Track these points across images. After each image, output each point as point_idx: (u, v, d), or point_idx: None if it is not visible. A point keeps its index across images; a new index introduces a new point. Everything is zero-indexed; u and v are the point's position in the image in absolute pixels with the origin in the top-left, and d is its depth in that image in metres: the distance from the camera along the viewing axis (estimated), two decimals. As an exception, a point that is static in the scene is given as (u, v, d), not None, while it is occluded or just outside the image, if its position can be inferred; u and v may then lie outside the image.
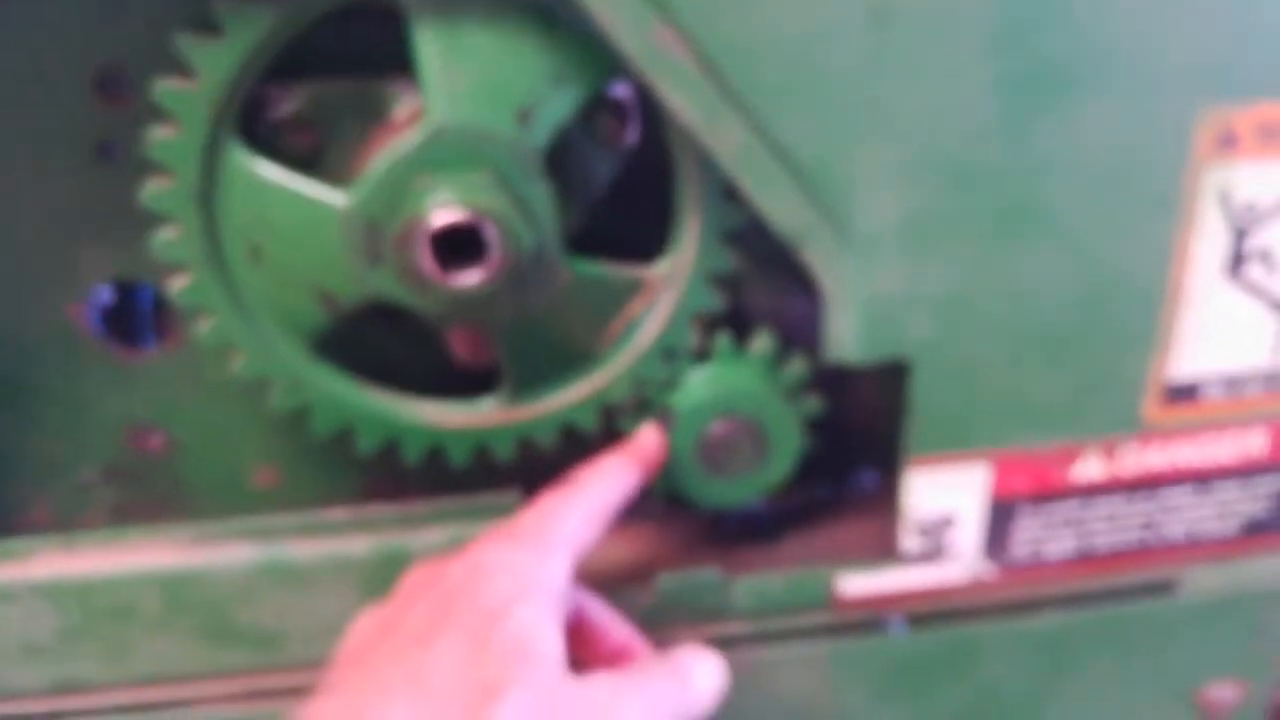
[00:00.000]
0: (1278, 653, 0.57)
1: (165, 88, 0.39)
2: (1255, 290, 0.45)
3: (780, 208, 0.40)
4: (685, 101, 0.38)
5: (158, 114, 0.40)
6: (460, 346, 0.48)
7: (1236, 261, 0.44)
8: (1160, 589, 0.53)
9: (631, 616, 0.45)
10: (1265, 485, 0.50)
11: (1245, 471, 0.49)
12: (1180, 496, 0.49)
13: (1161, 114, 0.40)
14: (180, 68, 0.39)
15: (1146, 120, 0.40)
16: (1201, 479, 0.49)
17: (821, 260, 0.41)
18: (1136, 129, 0.40)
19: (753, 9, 0.36)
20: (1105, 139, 0.40)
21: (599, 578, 0.48)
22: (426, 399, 0.47)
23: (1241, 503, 0.50)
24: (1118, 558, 0.51)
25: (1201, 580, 0.53)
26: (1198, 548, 0.51)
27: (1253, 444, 0.49)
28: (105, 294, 0.47)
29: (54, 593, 0.44)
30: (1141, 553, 0.51)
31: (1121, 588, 0.52)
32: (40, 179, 0.44)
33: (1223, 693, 0.58)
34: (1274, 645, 0.57)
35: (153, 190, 0.41)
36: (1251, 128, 0.41)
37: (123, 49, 0.42)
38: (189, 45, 0.39)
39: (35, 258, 0.46)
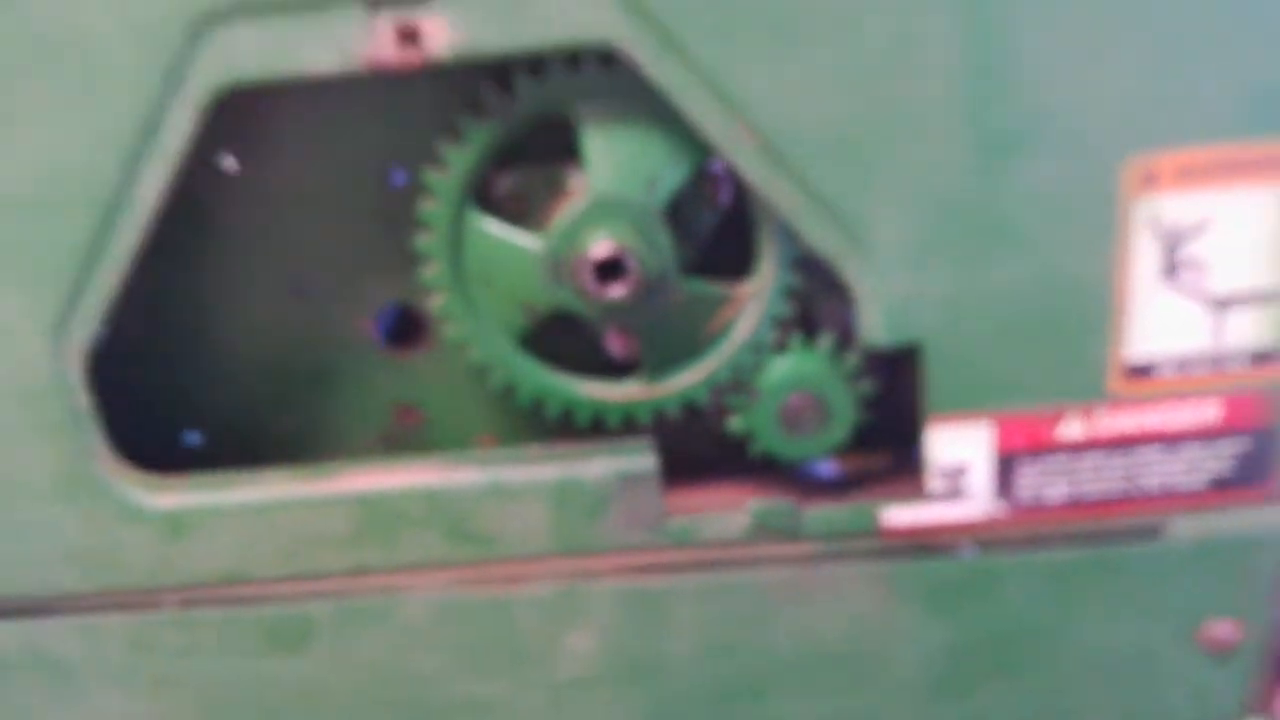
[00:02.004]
0: (1269, 595, 0.70)
1: (430, 175, 0.64)
2: (1189, 291, 0.61)
3: (821, 240, 0.60)
4: (753, 173, 0.59)
5: (426, 192, 0.64)
6: (613, 343, 0.70)
7: (1169, 270, 0.60)
8: (1148, 532, 0.67)
9: (731, 535, 0.65)
10: (1226, 448, 0.65)
11: (1205, 436, 0.64)
12: (1151, 454, 0.65)
13: (1095, 161, 0.58)
14: (439, 163, 0.64)
15: (1084, 166, 0.58)
16: (1168, 441, 0.64)
17: (853, 274, 0.61)
18: (1077, 173, 0.58)
19: (798, 111, 0.57)
20: (1055, 181, 0.58)
21: (708, 508, 0.68)
22: (592, 380, 0.69)
23: (1207, 461, 0.65)
24: (1107, 504, 0.66)
25: (1185, 527, 0.67)
26: (1175, 499, 0.66)
27: (1208, 413, 0.64)
28: (390, 312, 0.72)
29: (352, 500, 0.68)
30: (1126, 501, 0.66)
31: (1114, 529, 0.67)
32: (348, 238, 0.70)
33: (1222, 630, 0.71)
34: (1264, 589, 0.70)
35: (422, 241, 0.65)
36: (1170, 168, 0.58)
37: (409, 153, 0.67)
38: (445, 147, 0.63)
39: (340, 289, 0.71)
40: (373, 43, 0.56)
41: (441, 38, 0.56)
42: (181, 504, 0.68)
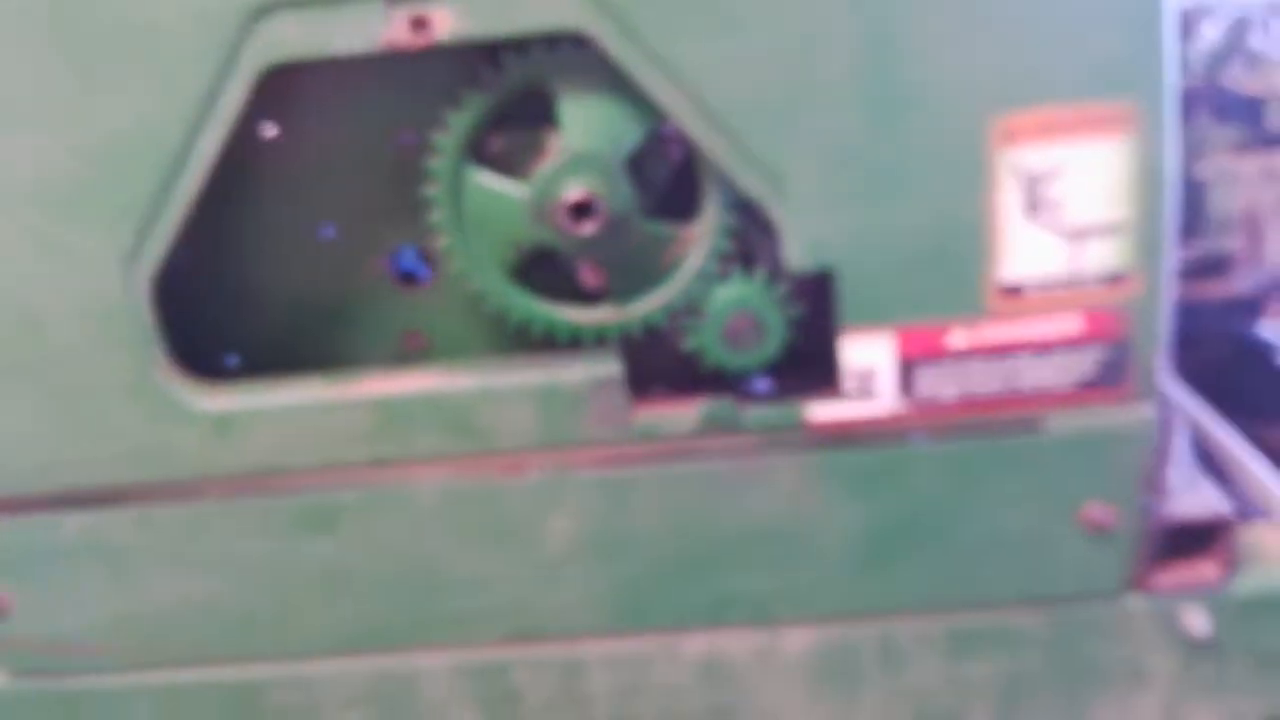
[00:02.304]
0: (1137, 482, 0.84)
1: (437, 137, 0.78)
2: (1048, 225, 0.75)
3: (752, 187, 0.74)
4: (696, 134, 0.73)
5: (432, 151, 0.79)
6: (586, 275, 0.84)
7: (1031, 208, 0.75)
8: (1028, 426, 0.82)
9: (683, 429, 0.79)
10: (1088, 355, 0.80)
11: (1070, 344, 0.79)
12: (1025, 360, 0.79)
13: (966, 120, 0.72)
14: (444, 126, 0.78)
15: (958, 125, 0.72)
16: (1038, 349, 0.79)
17: (778, 214, 0.75)
18: (953, 130, 0.73)
19: (730, 83, 0.71)
20: (935, 136, 0.73)
21: (664, 408, 0.82)
22: (570, 306, 0.83)
23: (1073, 366, 0.80)
24: (991, 402, 0.81)
25: (1059, 423, 0.82)
26: (1048, 398, 0.81)
27: (1070, 326, 0.79)
28: (406, 253, 0.87)
29: (371, 402, 0.82)
30: (1008, 399, 0.81)
31: (999, 424, 0.82)
32: (371, 192, 0.84)
33: (1098, 512, 0.86)
34: (1132, 476, 0.84)
35: (429, 191, 0.80)
36: (1027, 125, 0.73)
37: (418, 119, 0.81)
38: (447, 114, 0.77)
39: (358, 233, 0.86)
40: (390, 29, 0.71)
41: (445, 25, 0.70)
42: (227, 406, 0.83)
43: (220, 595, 0.91)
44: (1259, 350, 1.29)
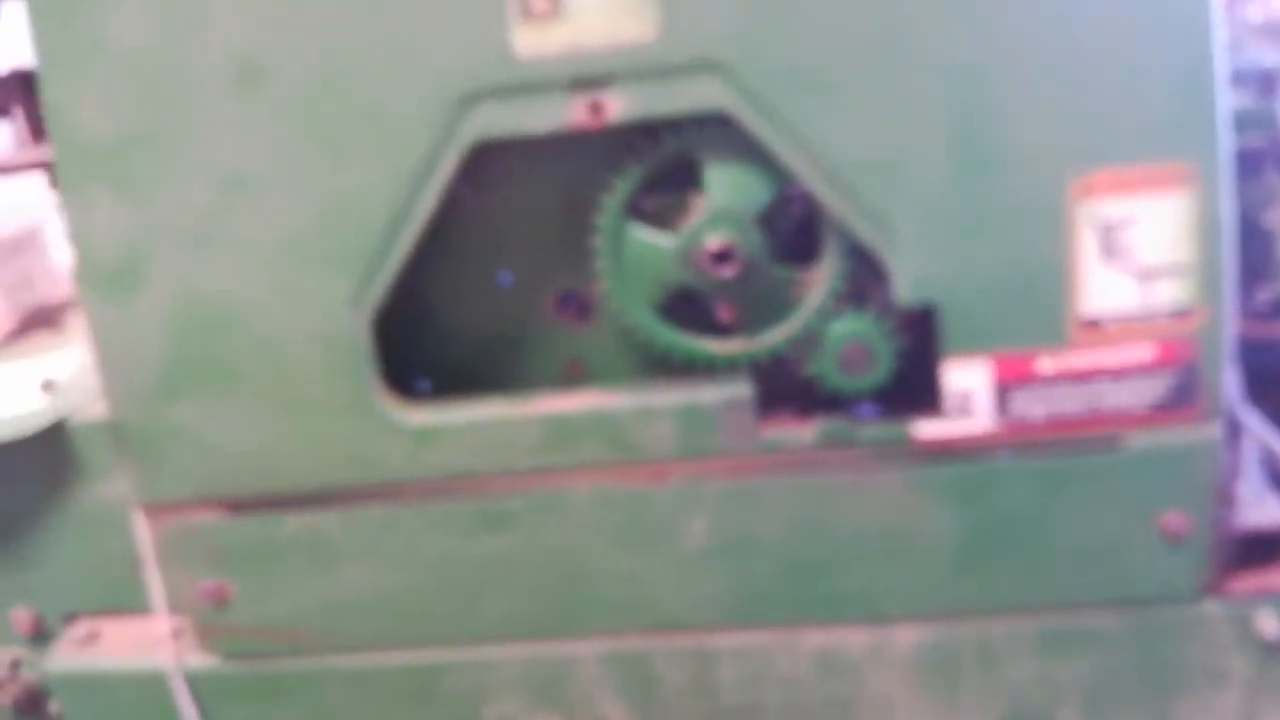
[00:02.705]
0: (1209, 494, 0.95)
1: (601, 197, 0.95)
2: (1121, 268, 0.89)
3: (867, 236, 0.89)
4: (820, 192, 0.89)
5: (598, 208, 0.96)
6: (722, 312, 1.00)
7: (1106, 252, 0.88)
8: (1108, 444, 0.94)
9: (804, 444, 0.93)
10: (1160, 380, 0.92)
11: (1143, 370, 0.91)
12: (1104, 384, 0.92)
13: (1050, 178, 0.86)
14: (609, 189, 0.95)
15: (1044, 180, 0.87)
16: (1115, 375, 0.92)
17: (887, 258, 0.90)
18: (1038, 186, 0.87)
19: (848, 152, 0.87)
20: (1023, 191, 0.87)
21: (788, 425, 0.97)
22: (707, 338, 0.99)
23: (1147, 390, 0.92)
24: (1075, 421, 0.93)
25: (1136, 440, 0.94)
26: (1126, 418, 0.93)
27: (1143, 354, 0.91)
28: (572, 296, 1.04)
29: (542, 418, 0.98)
30: (1090, 419, 0.93)
31: (1083, 441, 0.94)
32: (544, 244, 1.02)
33: (1174, 521, 0.97)
34: (1204, 488, 0.95)
35: (595, 242, 0.97)
36: (1102, 182, 0.87)
37: (587, 184, 0.98)
38: (611, 178, 0.94)
39: (536, 280, 1.03)
40: (572, 113, 0.88)
41: (617, 109, 0.88)
42: (426, 421, 1.00)
43: (408, 586, 1.07)
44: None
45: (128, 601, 1.22)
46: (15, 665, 1.32)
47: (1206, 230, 0.87)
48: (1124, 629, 1.01)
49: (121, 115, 0.94)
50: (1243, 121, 1.14)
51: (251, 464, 1.04)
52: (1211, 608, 0.99)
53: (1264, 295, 1.19)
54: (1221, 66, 0.84)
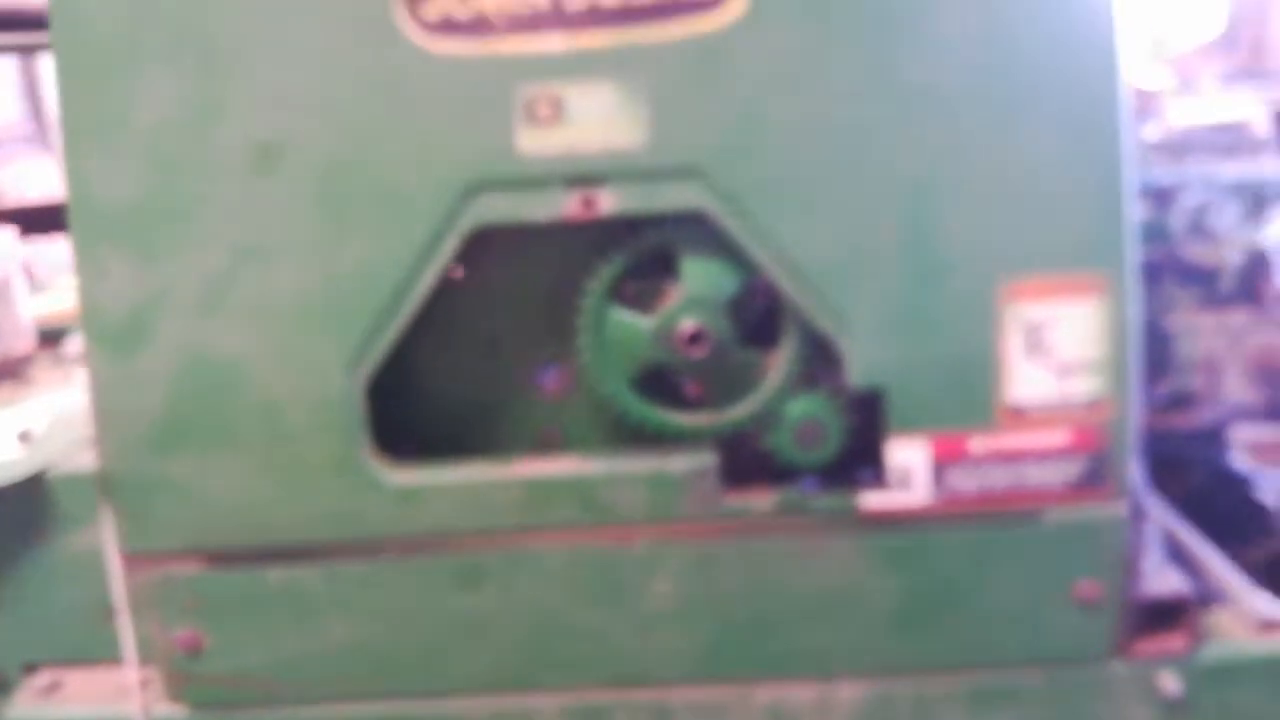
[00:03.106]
0: (1118, 565, 1.07)
1: (585, 286, 1.04)
2: (1042, 363, 1.01)
3: (824, 324, 1.00)
4: (782, 283, 1.00)
5: (582, 292, 1.05)
6: (691, 388, 1.09)
7: (1030, 348, 1.01)
8: (1030, 517, 1.06)
9: (762, 511, 1.03)
10: (1075, 462, 1.04)
11: (1061, 453, 1.04)
12: (1028, 464, 1.04)
13: (984, 283, 0.99)
14: (592, 274, 1.05)
15: (978, 285, 0.99)
16: (1037, 457, 1.03)
17: (842, 345, 1.01)
18: (975, 288, 0.99)
19: (812, 251, 0.98)
20: (963, 295, 0.99)
21: (748, 494, 1.06)
22: (675, 411, 1.08)
23: (1064, 470, 1.04)
24: (1002, 496, 1.05)
25: (1055, 514, 1.06)
26: (1046, 494, 1.05)
27: (1060, 438, 1.03)
28: (551, 369, 1.12)
29: (522, 481, 1.06)
30: (1014, 494, 1.05)
31: (1008, 514, 1.06)
32: (527, 320, 1.11)
33: (1087, 589, 1.08)
34: (1115, 560, 1.07)
35: (579, 321, 1.06)
36: (1027, 288, 0.99)
37: (569, 265, 1.08)
38: (596, 264, 1.04)
39: (517, 352, 1.12)
40: (567, 206, 0.98)
41: (607, 204, 0.98)
42: (411, 480, 1.07)
43: (383, 639, 1.12)
44: (1235, 480, 1.52)
45: (89, 652, 1.25)
46: (-37, 716, 1.33)
47: (1116, 332, 1.00)
48: (1043, 686, 1.11)
49: (140, 184, 1.01)
50: (1145, 234, 1.30)
51: (238, 518, 1.09)
52: (1120, 668, 1.10)
53: (1163, 389, 1.34)
54: (1131, 188, 0.98)
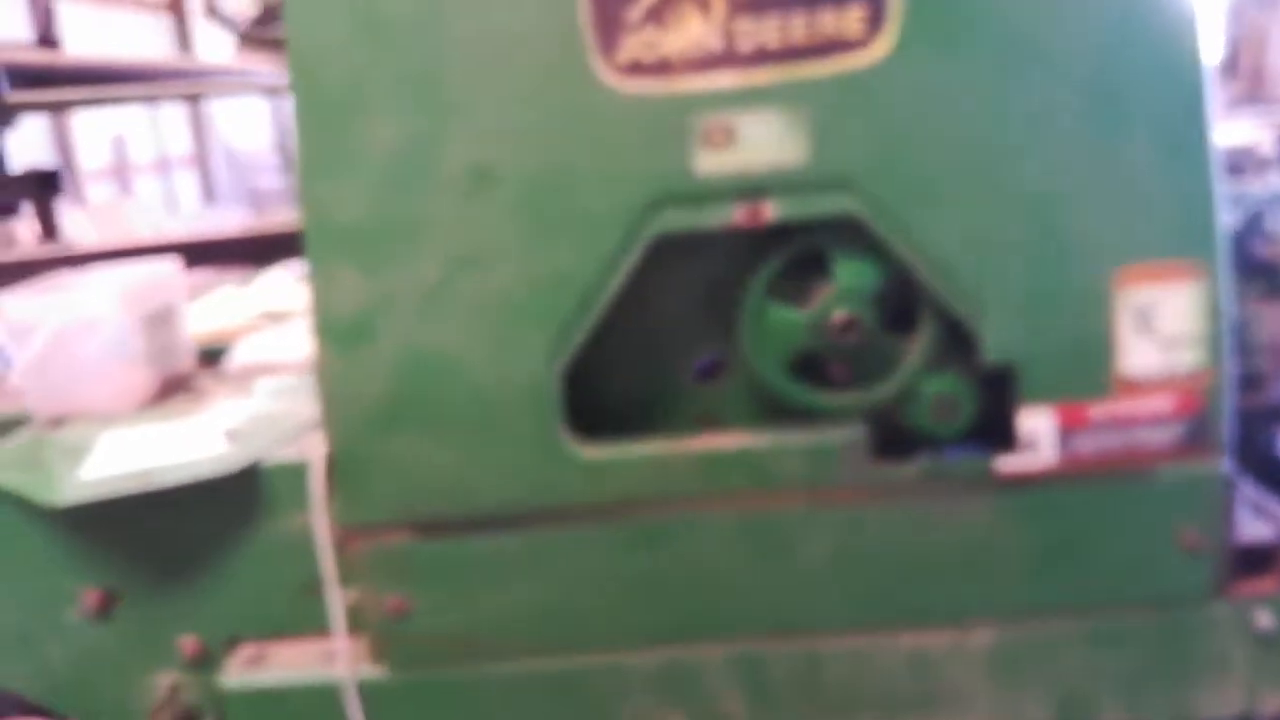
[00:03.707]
0: (1220, 514, 1.22)
1: (752, 282, 1.21)
2: (1151, 341, 1.17)
3: (960, 309, 1.17)
4: (923, 275, 1.16)
5: (744, 289, 1.22)
6: (837, 371, 1.26)
7: (1140, 327, 1.17)
8: (1143, 473, 1.21)
9: (907, 476, 1.19)
10: (1180, 425, 1.20)
11: (1169, 418, 1.19)
12: (1140, 428, 1.19)
13: (1099, 269, 1.15)
14: (753, 273, 1.22)
15: (1095, 271, 1.15)
16: (1148, 421, 1.19)
17: (976, 328, 1.17)
18: (1092, 274, 1.15)
19: (952, 242, 1.15)
20: (1081, 277, 1.15)
21: (894, 460, 1.23)
22: (829, 393, 1.25)
23: (1170, 432, 1.20)
24: (1119, 457, 1.20)
25: (1164, 471, 1.21)
26: (1157, 454, 1.20)
27: (1167, 404, 1.19)
28: (706, 360, 1.29)
29: (699, 454, 1.22)
30: (1129, 454, 1.20)
31: (1125, 472, 1.21)
32: (693, 318, 1.27)
33: (1193, 537, 1.23)
34: (1216, 510, 1.22)
35: (741, 315, 1.23)
36: (1138, 273, 1.16)
37: (734, 267, 1.25)
38: (758, 264, 1.21)
39: (684, 347, 1.29)
40: (736, 216, 1.15)
41: (770, 213, 1.15)
42: (601, 456, 1.23)
43: (570, 599, 1.28)
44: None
45: (288, 627, 1.41)
46: (174, 689, 1.48)
47: (1212, 311, 1.17)
48: (1153, 627, 1.26)
49: (369, 206, 1.19)
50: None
51: (447, 492, 1.26)
52: (1220, 608, 1.25)
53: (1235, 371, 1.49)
54: (1219, 188, 1.15)
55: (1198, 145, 1.15)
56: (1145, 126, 1.14)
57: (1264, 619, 1.25)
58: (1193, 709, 1.28)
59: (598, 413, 1.31)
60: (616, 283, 1.18)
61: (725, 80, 1.14)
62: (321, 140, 1.19)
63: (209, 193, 11.88)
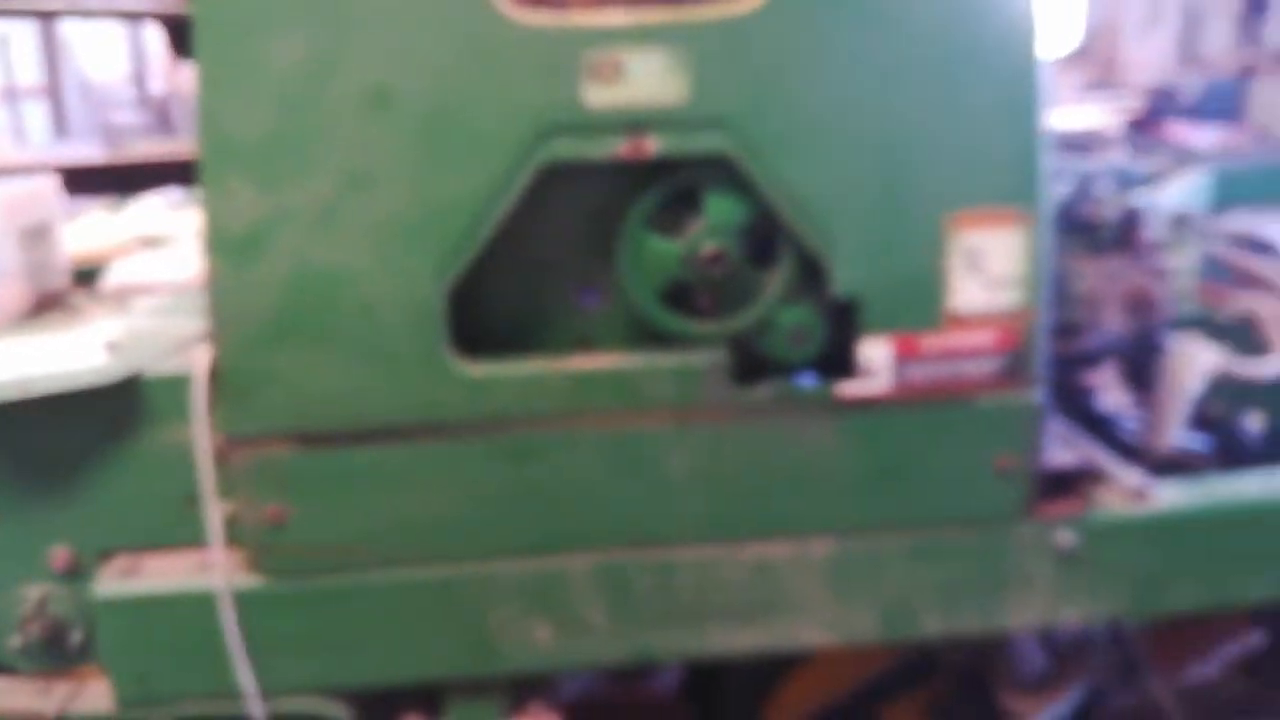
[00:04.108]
0: (1031, 439, 1.38)
1: (632, 213, 1.31)
2: (978, 279, 1.32)
3: (814, 246, 1.29)
4: (784, 214, 1.28)
5: (624, 221, 1.32)
6: (705, 302, 1.36)
7: (969, 267, 1.31)
8: (967, 400, 1.37)
9: (762, 398, 1.32)
10: (999, 358, 1.35)
11: (988, 351, 1.35)
12: (964, 360, 1.35)
13: (935, 212, 1.29)
14: (634, 206, 1.31)
15: (932, 215, 1.29)
16: (970, 353, 1.35)
17: (827, 264, 1.30)
18: (929, 218, 1.29)
19: (813, 185, 1.27)
20: (920, 221, 1.29)
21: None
22: (696, 320, 1.35)
23: (991, 364, 1.35)
24: (945, 385, 1.36)
25: (984, 399, 1.37)
26: (977, 383, 1.36)
27: (988, 338, 1.34)
28: (591, 290, 1.38)
29: (570, 373, 1.32)
30: (955, 383, 1.36)
31: (950, 399, 1.36)
32: (576, 244, 1.36)
33: (1006, 460, 1.40)
34: (1028, 435, 1.38)
35: (618, 246, 1.32)
36: (968, 218, 1.30)
37: (615, 200, 1.34)
38: (636, 198, 1.30)
39: (567, 274, 1.37)
40: (621, 149, 1.24)
41: (653, 147, 1.25)
42: (481, 373, 1.31)
43: (447, 510, 1.36)
44: (1103, 420, 1.88)
45: (166, 538, 1.43)
46: (43, 601, 1.49)
47: (1033, 256, 1.32)
48: (969, 542, 1.43)
49: (266, 123, 1.23)
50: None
51: (333, 405, 1.31)
52: (1027, 527, 1.43)
53: (1054, 320, 1.68)
54: (1045, 146, 1.30)
55: (1029, 105, 1.30)
56: (982, 86, 1.28)
57: (1065, 538, 1.42)
58: (1002, 621, 1.45)
59: (483, 332, 1.38)
60: (505, 207, 1.26)
61: (616, 18, 1.23)
62: (221, 56, 1.22)
63: (60, 126, 11.22)
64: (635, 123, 1.24)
